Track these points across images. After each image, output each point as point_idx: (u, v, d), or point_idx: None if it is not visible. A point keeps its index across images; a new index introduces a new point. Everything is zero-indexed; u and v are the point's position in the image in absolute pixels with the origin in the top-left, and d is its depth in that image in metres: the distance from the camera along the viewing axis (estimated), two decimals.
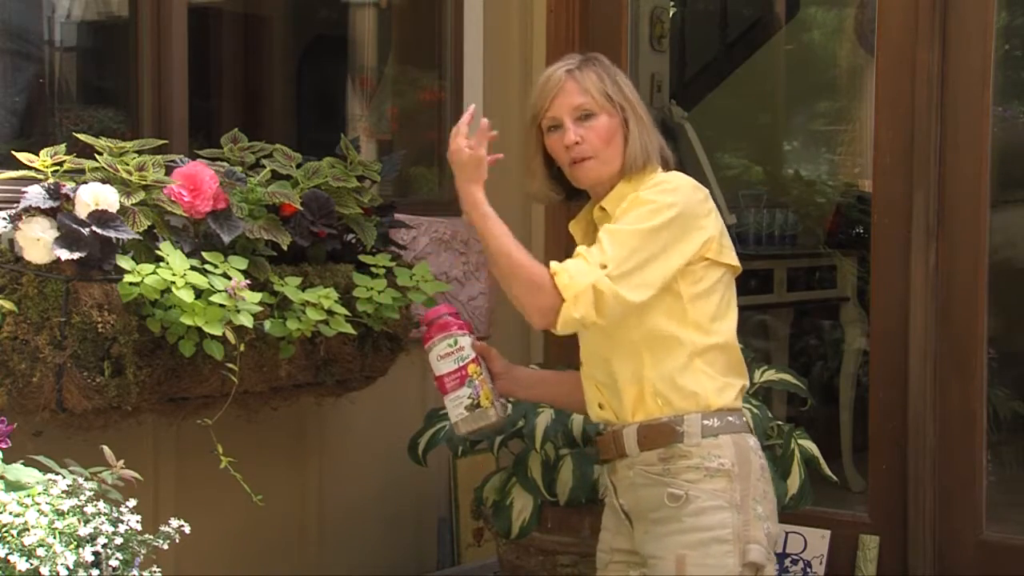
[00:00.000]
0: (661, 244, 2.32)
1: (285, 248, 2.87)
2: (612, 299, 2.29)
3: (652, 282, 2.32)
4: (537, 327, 2.42)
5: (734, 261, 2.45)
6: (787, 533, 3.54)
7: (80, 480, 2.12)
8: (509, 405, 2.64)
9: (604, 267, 2.30)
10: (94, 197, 2.52)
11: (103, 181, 2.61)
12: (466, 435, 2.66)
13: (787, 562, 3.57)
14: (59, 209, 2.53)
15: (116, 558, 2.04)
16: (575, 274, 2.31)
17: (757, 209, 5.85)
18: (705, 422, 2.37)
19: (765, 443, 2.87)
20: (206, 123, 3.67)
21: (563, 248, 4.08)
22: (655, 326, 2.36)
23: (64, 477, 2.12)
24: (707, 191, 2.44)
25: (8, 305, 2.51)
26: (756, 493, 2.38)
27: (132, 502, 2.14)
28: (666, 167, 2.48)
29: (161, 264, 2.57)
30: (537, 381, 2.76)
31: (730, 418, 2.40)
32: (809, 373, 5.49)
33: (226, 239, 2.72)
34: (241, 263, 2.72)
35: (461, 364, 2.56)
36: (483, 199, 2.45)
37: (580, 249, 2.38)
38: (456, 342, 2.56)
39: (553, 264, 2.34)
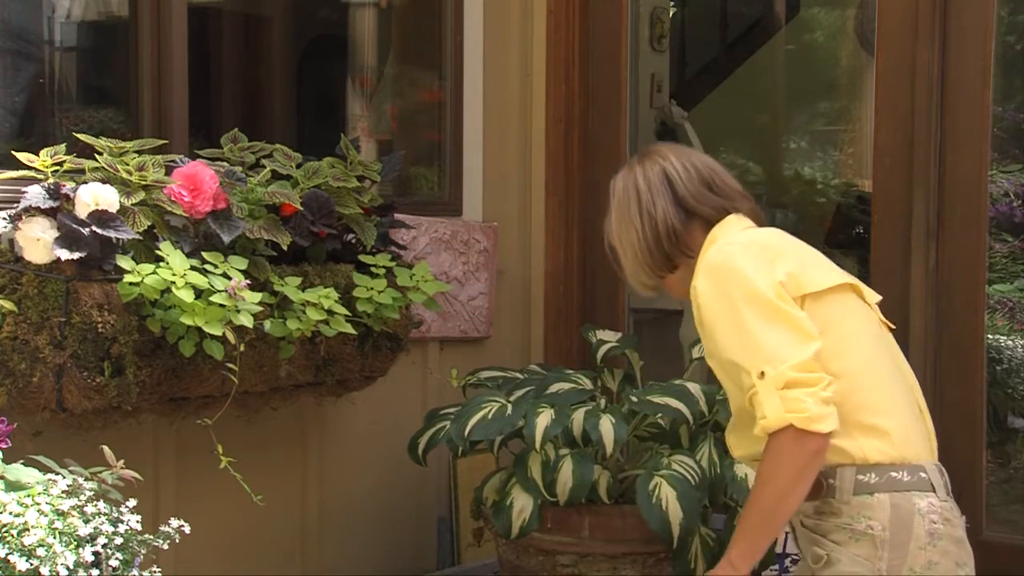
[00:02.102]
0: (757, 308, 2.15)
1: (285, 248, 2.87)
2: (797, 372, 2.09)
3: (794, 327, 2.13)
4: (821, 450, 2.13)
5: (828, 283, 2.25)
6: (787, 533, 3.54)
7: (80, 480, 2.12)
8: None
9: (763, 374, 2.10)
10: (94, 197, 2.52)
11: (103, 181, 2.61)
12: None
13: (787, 562, 3.57)
14: (59, 209, 2.53)
15: (116, 558, 2.04)
16: (764, 410, 2.09)
17: None
18: (860, 477, 2.14)
19: None
20: (206, 123, 3.67)
21: (561, 245, 4.12)
22: None
23: (64, 477, 2.12)
24: (768, 234, 2.32)
25: (8, 305, 2.51)
26: (917, 563, 2.11)
27: (132, 502, 2.14)
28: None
29: (161, 264, 2.57)
30: None
31: (894, 474, 2.14)
32: None
33: (226, 239, 2.72)
34: (241, 263, 2.72)
35: None
36: (729, 556, 2.19)
37: (745, 387, 2.16)
38: None
39: (758, 429, 2.11)
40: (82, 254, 2.49)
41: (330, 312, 2.85)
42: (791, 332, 2.13)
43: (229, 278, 2.63)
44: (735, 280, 2.19)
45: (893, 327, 2.39)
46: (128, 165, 2.68)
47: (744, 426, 2.23)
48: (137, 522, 2.10)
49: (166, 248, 2.61)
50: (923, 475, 2.18)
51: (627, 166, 2.45)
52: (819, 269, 2.28)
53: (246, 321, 2.61)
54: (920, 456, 2.21)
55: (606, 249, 2.47)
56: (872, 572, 2.12)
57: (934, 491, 2.18)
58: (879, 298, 2.39)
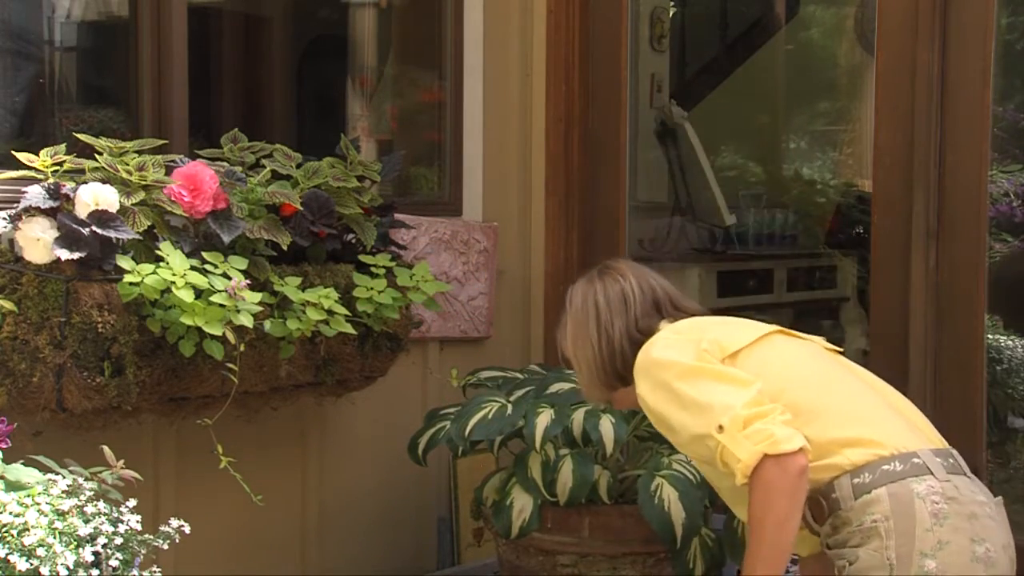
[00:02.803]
0: (693, 377, 2.25)
1: (285, 248, 2.87)
2: (748, 411, 2.15)
3: (732, 378, 2.23)
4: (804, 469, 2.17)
5: (747, 340, 2.33)
6: None
7: (80, 480, 2.12)
8: None
9: (721, 427, 2.16)
10: (94, 197, 2.52)
11: (103, 181, 2.61)
12: None
13: (791, 564, 3.57)
14: (59, 209, 2.53)
15: (116, 558, 2.04)
16: (736, 455, 2.15)
17: (757, 209, 5.85)
18: (855, 480, 2.19)
19: None
20: (206, 123, 3.67)
21: (561, 245, 4.12)
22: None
23: (64, 477, 2.12)
24: (687, 321, 2.42)
25: (8, 305, 2.51)
26: (926, 546, 2.14)
27: (132, 502, 2.14)
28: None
29: (161, 264, 2.57)
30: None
31: (885, 467, 2.18)
32: None
33: (226, 239, 2.72)
34: (241, 263, 2.72)
35: None
36: None
37: (718, 447, 2.20)
38: None
39: (740, 477, 2.16)
40: (82, 254, 2.49)
41: (330, 312, 2.85)
42: (728, 384, 2.23)
43: (229, 278, 2.63)
44: (660, 368, 2.30)
45: (840, 350, 2.48)
46: (128, 165, 2.68)
47: (741, 492, 2.24)
48: (137, 522, 2.10)
49: (166, 248, 2.61)
50: (916, 460, 2.20)
51: (586, 279, 2.55)
52: (738, 330, 2.37)
53: (246, 321, 2.61)
54: (909, 445, 2.23)
55: (559, 358, 2.60)
56: (882, 561, 2.14)
57: (931, 473, 2.19)
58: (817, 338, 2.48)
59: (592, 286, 2.51)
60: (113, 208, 2.54)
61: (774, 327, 2.40)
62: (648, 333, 2.42)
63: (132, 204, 2.62)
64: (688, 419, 2.24)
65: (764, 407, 2.17)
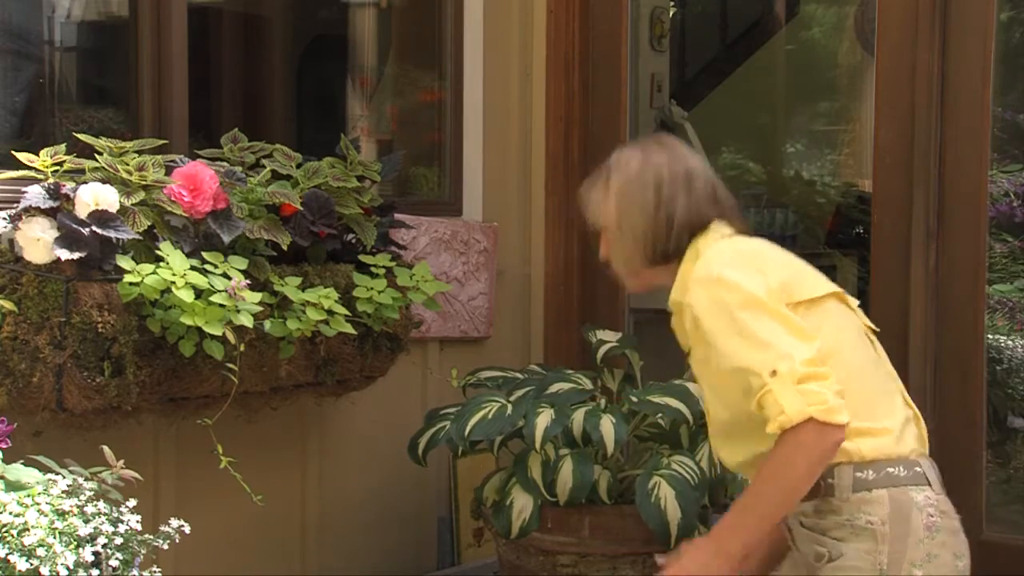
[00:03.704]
0: (754, 313, 2.15)
1: (285, 248, 2.87)
2: (805, 368, 2.08)
3: (794, 326, 2.14)
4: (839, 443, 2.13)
5: (816, 292, 2.25)
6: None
7: (80, 480, 2.12)
8: None
9: (774, 372, 2.08)
10: (94, 197, 2.52)
11: (103, 181, 2.61)
12: None
13: None
14: (59, 209, 2.53)
15: (116, 558, 2.04)
16: (781, 405, 2.07)
17: (757, 209, 5.85)
18: (858, 474, 2.14)
19: None
20: (206, 123, 3.67)
21: (561, 245, 4.12)
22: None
23: (64, 477, 2.12)
24: (755, 243, 2.29)
25: (8, 305, 2.51)
26: (916, 557, 2.13)
27: (132, 502, 2.14)
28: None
29: (161, 264, 2.57)
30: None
31: (890, 469, 2.15)
32: None
33: (226, 239, 2.72)
34: (241, 263, 2.72)
35: None
36: (720, 544, 2.18)
37: (753, 390, 2.12)
38: None
39: (768, 429, 2.08)
40: (82, 254, 2.49)
41: (330, 312, 2.85)
42: (792, 334, 2.13)
43: (229, 278, 2.63)
44: (728, 289, 2.18)
45: (877, 330, 2.40)
46: (128, 165, 2.68)
47: (741, 433, 2.22)
48: (137, 522, 2.10)
49: (166, 248, 2.61)
50: (918, 470, 2.19)
51: (643, 147, 2.39)
52: (808, 278, 2.28)
53: (246, 321, 2.61)
54: (914, 451, 2.21)
55: (587, 222, 2.40)
56: (873, 565, 2.12)
57: (929, 485, 2.19)
58: (858, 302, 2.40)
59: (653, 156, 2.35)
60: (113, 208, 2.54)
61: (835, 287, 2.32)
62: (703, 223, 2.31)
63: (132, 204, 2.62)
64: (740, 349, 2.13)
65: (822, 369, 2.09)
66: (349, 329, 2.89)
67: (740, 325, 2.15)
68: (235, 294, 2.60)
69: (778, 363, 2.09)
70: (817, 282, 2.29)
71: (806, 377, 2.08)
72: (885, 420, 2.21)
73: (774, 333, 2.13)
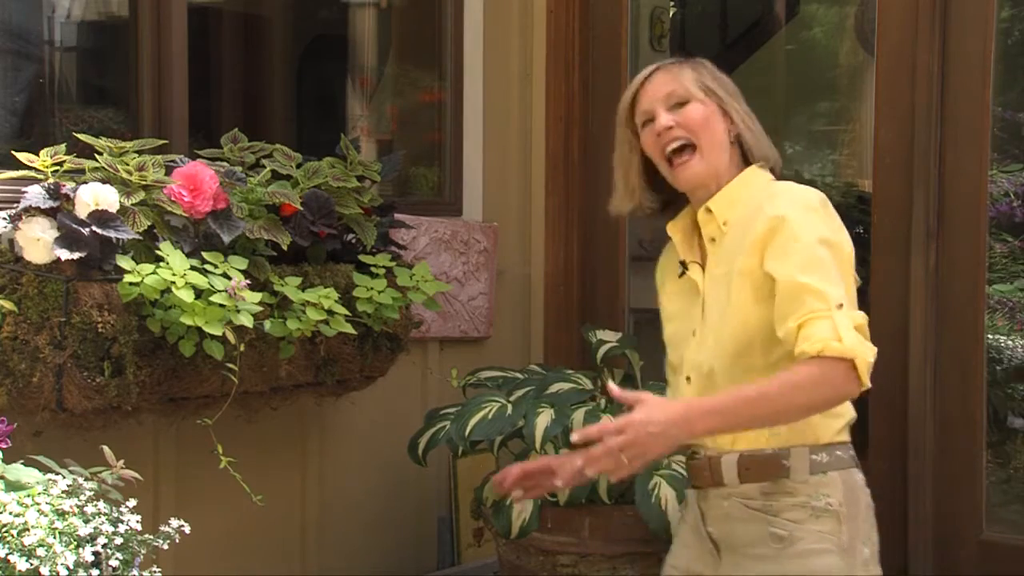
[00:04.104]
0: (839, 258, 2.19)
1: (285, 248, 2.87)
2: (866, 327, 2.12)
3: (854, 298, 2.18)
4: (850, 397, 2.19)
5: (856, 278, 2.30)
6: None
7: (80, 480, 2.12)
8: None
9: (841, 306, 2.11)
10: (94, 197, 2.52)
11: (103, 181, 2.61)
12: None
13: None
14: (59, 209, 2.53)
15: (116, 558, 2.04)
16: (839, 334, 2.07)
17: None
18: (813, 457, 2.20)
19: None
20: (206, 123, 3.67)
21: (561, 245, 4.12)
22: (782, 352, 2.16)
23: (64, 477, 2.12)
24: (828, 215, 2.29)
25: (8, 305, 2.51)
26: (862, 535, 2.23)
27: (132, 502, 2.14)
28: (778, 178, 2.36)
29: (161, 264, 2.57)
30: None
31: (839, 452, 2.24)
32: None
33: (226, 239, 2.72)
34: (241, 263, 2.72)
35: None
36: (689, 414, 2.12)
37: (804, 309, 2.11)
38: None
39: (807, 347, 2.08)
40: (82, 254, 2.49)
41: (330, 312, 2.85)
42: (852, 295, 2.18)
43: (229, 278, 2.63)
44: (830, 226, 2.22)
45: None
46: (128, 165, 2.68)
47: (748, 353, 2.20)
48: (137, 522, 2.10)
49: (166, 248, 2.61)
50: (852, 452, 2.28)
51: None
52: (849, 263, 2.30)
53: (246, 321, 2.61)
54: (848, 436, 2.29)
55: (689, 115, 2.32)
56: (837, 546, 2.18)
57: (859, 467, 2.29)
58: None
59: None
60: (113, 208, 2.54)
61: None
62: (749, 159, 2.35)
63: (132, 204, 2.62)
64: (817, 271, 2.12)
65: (859, 313, 2.14)
66: (349, 329, 2.89)
67: (824, 255, 2.16)
68: (235, 294, 2.60)
69: (844, 301, 2.11)
70: (851, 270, 2.30)
71: (860, 328, 2.11)
72: (846, 411, 2.28)
73: (843, 283, 2.16)
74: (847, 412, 2.28)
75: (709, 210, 2.31)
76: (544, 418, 3.04)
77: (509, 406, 3.13)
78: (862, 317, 2.14)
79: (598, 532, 3.08)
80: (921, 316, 3.41)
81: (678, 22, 6.66)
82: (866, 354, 2.08)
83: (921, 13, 3.40)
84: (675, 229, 2.41)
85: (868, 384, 2.09)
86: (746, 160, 2.37)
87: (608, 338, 3.48)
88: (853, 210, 5.83)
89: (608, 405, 3.20)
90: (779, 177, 2.39)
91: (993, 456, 4.46)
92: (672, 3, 6.26)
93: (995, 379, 4.65)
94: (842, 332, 2.07)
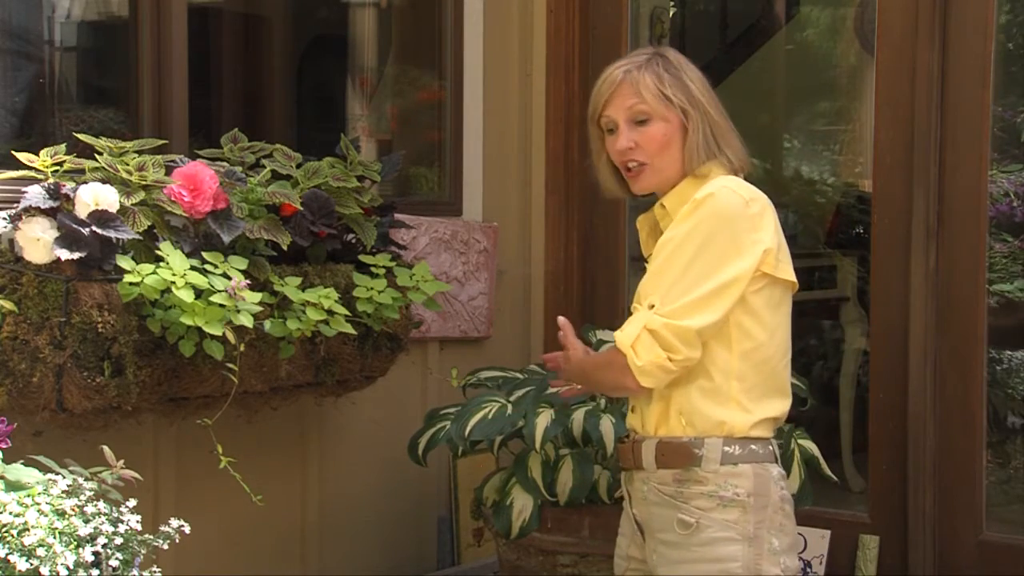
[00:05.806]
0: (708, 263, 2.25)
1: (285, 248, 2.87)
2: (670, 332, 2.23)
3: (712, 303, 2.24)
4: (640, 395, 2.38)
5: (791, 276, 2.38)
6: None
7: (80, 480, 2.12)
8: None
9: (652, 307, 2.26)
10: (94, 197, 2.52)
11: (103, 181, 2.61)
12: None
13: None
14: (59, 209, 2.53)
15: (116, 558, 2.04)
16: (629, 330, 2.28)
17: None
18: (726, 449, 2.28)
19: None
20: (206, 123, 3.67)
21: (561, 245, 4.12)
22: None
23: (64, 477, 2.12)
24: (765, 201, 2.34)
25: (8, 305, 2.51)
26: (772, 526, 2.30)
27: (132, 502, 2.14)
28: (736, 171, 2.41)
29: (161, 264, 2.57)
30: None
31: (753, 447, 2.31)
32: (809, 373, 5.49)
33: (226, 239, 2.72)
34: (241, 263, 2.72)
35: None
36: (583, 364, 2.48)
37: (637, 303, 2.34)
38: None
39: (616, 338, 2.31)
40: (82, 254, 2.49)
41: (330, 312, 2.85)
42: (701, 286, 2.24)
43: (229, 278, 2.63)
44: (721, 212, 2.27)
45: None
46: (128, 165, 2.68)
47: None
48: (137, 522, 2.10)
49: (166, 248, 2.61)
50: (770, 448, 2.35)
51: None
52: (789, 259, 2.40)
53: (246, 321, 2.61)
54: (768, 431, 2.35)
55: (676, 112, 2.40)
56: (741, 535, 2.27)
57: (777, 461, 2.36)
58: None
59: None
60: (113, 208, 2.54)
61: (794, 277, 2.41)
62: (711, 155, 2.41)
63: (132, 204, 2.62)
64: (663, 265, 2.29)
65: (677, 342, 2.23)
66: (349, 329, 2.89)
67: (681, 256, 2.26)
68: (235, 294, 2.60)
69: (657, 303, 2.26)
70: (791, 266, 2.40)
71: (656, 333, 2.23)
72: (768, 409, 2.34)
73: (688, 277, 2.25)
74: (763, 410, 2.32)
75: (663, 205, 2.42)
76: (544, 418, 3.04)
77: (509, 406, 3.13)
78: (689, 324, 2.23)
79: (598, 532, 3.08)
80: (921, 316, 3.41)
81: (678, 22, 6.66)
82: (638, 354, 2.24)
83: (921, 13, 3.40)
84: (643, 224, 2.53)
85: (644, 382, 2.26)
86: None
87: (608, 338, 3.47)
88: (853, 210, 5.84)
89: (608, 404, 3.20)
90: (746, 173, 2.45)
91: (993, 456, 4.46)
92: (672, 3, 6.26)
93: (995, 379, 4.65)
94: (629, 329, 2.27)
